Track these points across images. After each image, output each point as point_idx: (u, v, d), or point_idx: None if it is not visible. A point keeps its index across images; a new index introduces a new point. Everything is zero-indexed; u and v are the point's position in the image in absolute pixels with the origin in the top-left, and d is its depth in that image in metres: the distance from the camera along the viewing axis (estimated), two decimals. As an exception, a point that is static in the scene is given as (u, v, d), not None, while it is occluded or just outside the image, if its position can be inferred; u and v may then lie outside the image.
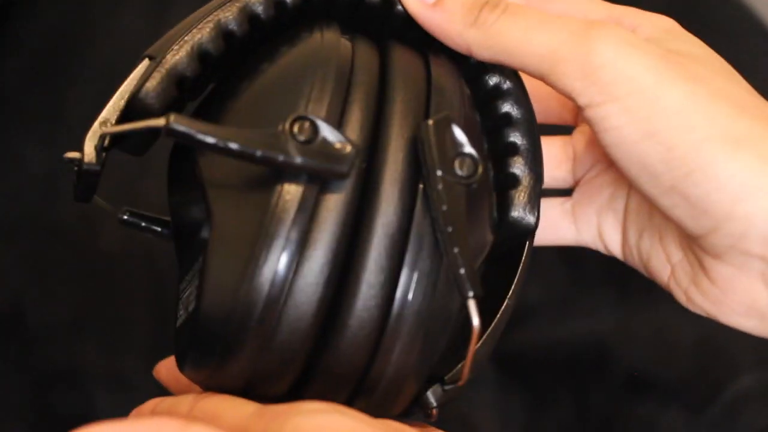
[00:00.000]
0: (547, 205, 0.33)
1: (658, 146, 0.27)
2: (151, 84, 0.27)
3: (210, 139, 0.24)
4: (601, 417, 0.46)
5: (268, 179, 0.25)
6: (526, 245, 0.30)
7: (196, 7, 0.30)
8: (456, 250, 0.25)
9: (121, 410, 0.48)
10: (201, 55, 0.28)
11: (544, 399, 0.31)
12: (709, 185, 0.27)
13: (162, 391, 0.48)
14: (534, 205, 0.30)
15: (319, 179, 0.25)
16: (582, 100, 0.28)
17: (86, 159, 0.27)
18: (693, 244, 0.30)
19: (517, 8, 0.29)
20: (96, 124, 0.27)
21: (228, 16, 0.28)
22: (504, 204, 0.30)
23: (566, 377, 0.47)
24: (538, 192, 0.30)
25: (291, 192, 0.24)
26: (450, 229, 0.25)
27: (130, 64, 0.30)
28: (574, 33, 0.28)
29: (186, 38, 0.28)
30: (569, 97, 0.28)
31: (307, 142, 0.24)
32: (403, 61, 0.28)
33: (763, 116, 0.28)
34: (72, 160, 0.27)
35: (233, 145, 0.24)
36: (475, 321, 0.25)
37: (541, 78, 0.29)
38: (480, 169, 0.26)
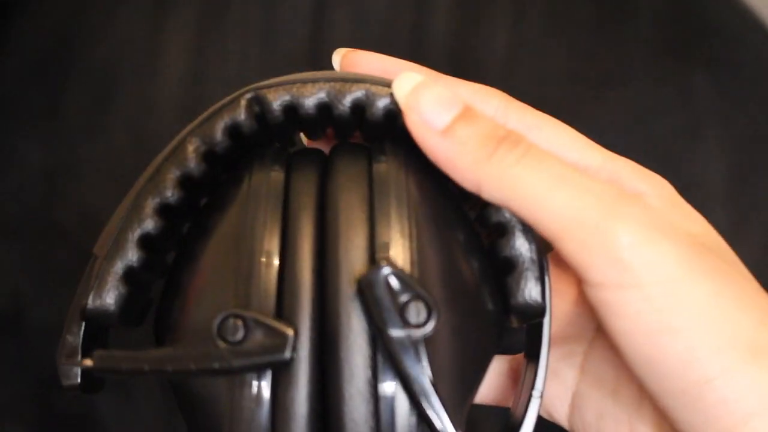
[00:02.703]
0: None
1: (679, 344, 0.24)
2: (99, 292, 0.26)
3: (146, 367, 0.24)
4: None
5: (223, 379, 0.24)
6: (543, 333, 0.28)
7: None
8: (428, 405, 0.23)
9: (121, 410, 0.49)
10: (142, 240, 0.27)
11: (544, 399, 0.32)
12: (728, 394, 0.24)
13: (163, 392, 0.48)
14: (535, 285, 0.27)
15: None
16: (595, 277, 0.25)
17: (65, 383, 0.27)
18: None
19: (541, 154, 0.26)
20: (61, 341, 0.27)
21: (162, 190, 0.27)
22: (505, 292, 0.27)
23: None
24: (538, 268, 0.27)
25: (245, 385, 0.24)
26: (414, 389, 0.23)
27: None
28: (602, 200, 0.25)
29: (125, 228, 0.27)
30: (577, 270, 0.25)
31: (240, 341, 0.23)
32: (343, 183, 0.26)
33: None
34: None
35: (168, 368, 0.24)
36: None
37: (552, 240, 0.25)
38: (434, 314, 0.23)
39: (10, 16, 0.56)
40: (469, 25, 0.56)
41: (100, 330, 0.27)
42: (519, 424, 0.27)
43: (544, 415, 0.31)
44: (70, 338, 0.27)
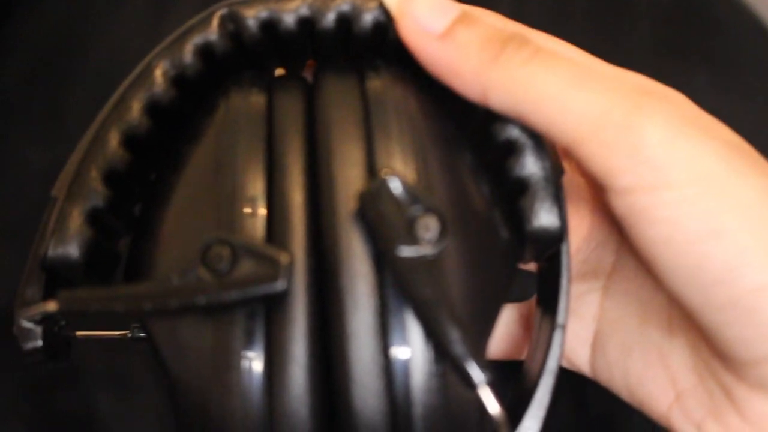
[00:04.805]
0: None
1: (726, 248, 0.22)
2: (61, 237, 0.23)
3: (119, 307, 0.21)
4: (601, 417, 0.46)
5: (208, 316, 0.21)
6: (561, 258, 0.25)
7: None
8: (448, 333, 0.20)
9: (121, 410, 0.49)
10: (108, 177, 0.23)
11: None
12: None
13: (163, 391, 0.48)
14: (551, 206, 0.24)
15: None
16: (623, 181, 0.22)
17: (25, 345, 0.23)
18: (722, 368, 0.25)
19: (552, 53, 0.23)
20: (18, 296, 0.23)
21: (128, 119, 0.24)
22: (518, 217, 0.25)
23: (565, 376, 0.47)
24: (553, 189, 0.24)
25: (235, 324, 0.21)
26: (431, 314, 0.20)
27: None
28: (625, 96, 0.22)
29: (88, 163, 0.24)
30: (603, 177, 0.23)
31: (228, 270, 0.20)
32: (334, 98, 0.23)
33: None
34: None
35: (146, 306, 0.21)
36: (494, 409, 0.21)
37: (571, 146, 0.23)
38: (448, 229, 0.21)
39: (11, 15, 0.56)
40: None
41: (64, 283, 0.24)
42: (540, 369, 0.25)
43: (563, 363, 0.28)
44: (29, 292, 0.23)
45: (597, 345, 0.28)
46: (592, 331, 0.28)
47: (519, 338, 0.30)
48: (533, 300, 0.28)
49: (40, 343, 0.23)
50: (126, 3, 0.56)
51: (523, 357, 0.28)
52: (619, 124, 0.22)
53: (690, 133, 0.22)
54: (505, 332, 0.30)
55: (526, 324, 0.30)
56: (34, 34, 0.56)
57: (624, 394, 0.28)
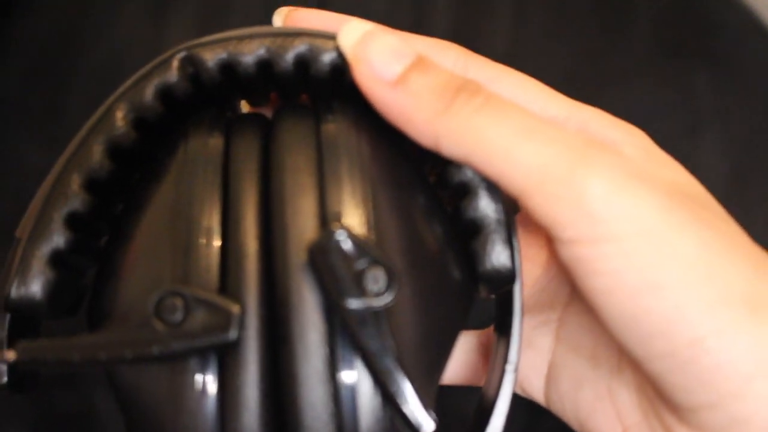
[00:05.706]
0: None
1: (665, 302, 0.22)
2: (23, 279, 0.23)
3: (75, 357, 0.21)
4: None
5: (163, 363, 0.22)
6: (514, 301, 0.26)
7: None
8: (394, 383, 0.21)
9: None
10: (69, 219, 0.24)
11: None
12: (724, 356, 0.22)
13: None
14: (503, 249, 0.25)
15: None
16: (567, 234, 0.23)
17: None
18: (664, 408, 0.25)
19: (503, 103, 0.23)
20: None
21: (89, 162, 0.24)
22: (471, 258, 0.25)
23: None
24: (505, 231, 0.25)
25: (188, 371, 0.22)
26: (377, 365, 0.21)
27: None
28: (570, 149, 0.23)
29: (49, 207, 0.24)
30: (548, 228, 0.23)
31: (180, 321, 0.21)
32: (288, 144, 0.24)
33: None
34: None
35: (100, 356, 0.21)
36: None
37: (518, 196, 0.23)
38: (394, 281, 0.21)
39: (11, 15, 0.56)
40: (469, 25, 0.56)
41: (28, 322, 0.25)
42: (493, 402, 0.25)
43: (518, 391, 0.29)
44: None
45: (551, 376, 0.29)
46: (547, 362, 0.29)
47: (478, 366, 0.30)
48: (492, 329, 0.28)
49: (5, 379, 0.24)
50: (126, 3, 0.56)
51: (482, 384, 0.28)
52: (562, 177, 0.22)
53: (633, 186, 0.23)
54: (464, 360, 0.31)
55: (485, 352, 0.30)
56: (34, 34, 0.56)
57: (574, 425, 0.28)
